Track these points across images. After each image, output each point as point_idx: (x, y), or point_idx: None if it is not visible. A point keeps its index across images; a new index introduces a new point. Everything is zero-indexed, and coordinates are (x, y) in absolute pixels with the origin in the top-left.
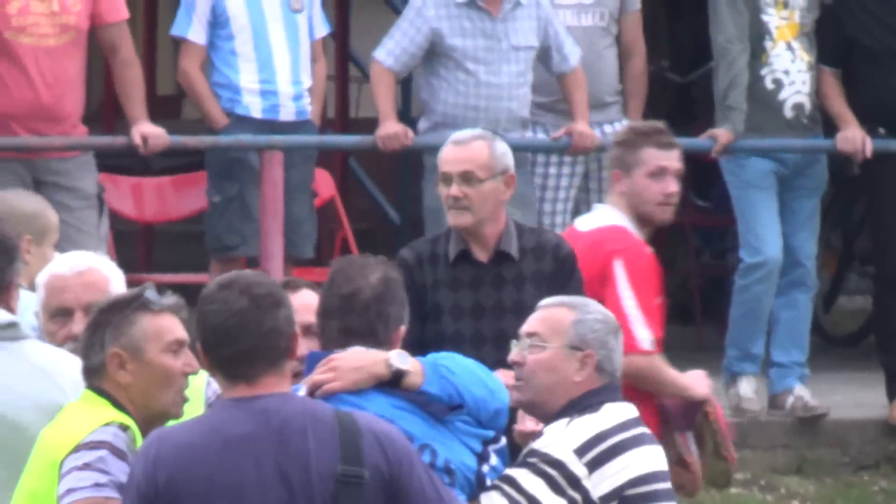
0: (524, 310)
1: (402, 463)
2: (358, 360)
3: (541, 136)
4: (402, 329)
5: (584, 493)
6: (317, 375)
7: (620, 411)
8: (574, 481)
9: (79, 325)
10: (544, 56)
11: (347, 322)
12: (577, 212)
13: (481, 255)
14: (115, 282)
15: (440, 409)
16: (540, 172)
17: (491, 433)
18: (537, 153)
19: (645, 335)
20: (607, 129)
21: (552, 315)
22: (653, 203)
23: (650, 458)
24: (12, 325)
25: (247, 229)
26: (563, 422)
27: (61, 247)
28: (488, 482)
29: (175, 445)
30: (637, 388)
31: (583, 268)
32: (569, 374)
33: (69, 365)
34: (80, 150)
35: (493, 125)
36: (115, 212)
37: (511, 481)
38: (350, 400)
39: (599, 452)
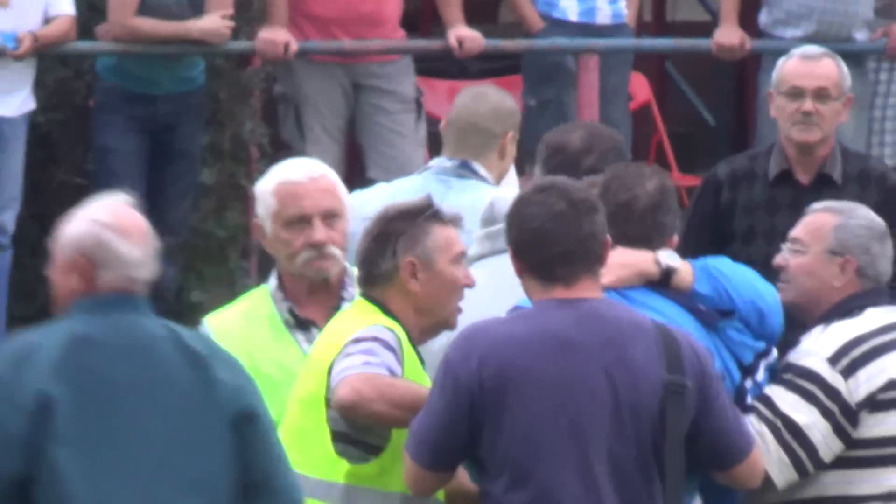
0: None
1: (711, 377)
2: (625, 256)
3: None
4: (675, 239)
5: (841, 402)
6: None
7: (884, 315)
8: (829, 391)
9: (319, 231)
10: None
11: (624, 229)
12: None
13: (803, 178)
14: (342, 187)
15: (712, 315)
16: (871, 79)
17: (762, 345)
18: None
19: None
20: None
21: (815, 220)
22: None
23: None
24: None
25: None
26: (818, 329)
27: (380, 149)
28: (749, 399)
29: (499, 339)
30: None
31: None
32: (828, 278)
33: None
34: (398, 54)
35: (836, 28)
36: (431, 115)
37: (766, 401)
38: (630, 296)
39: (854, 358)
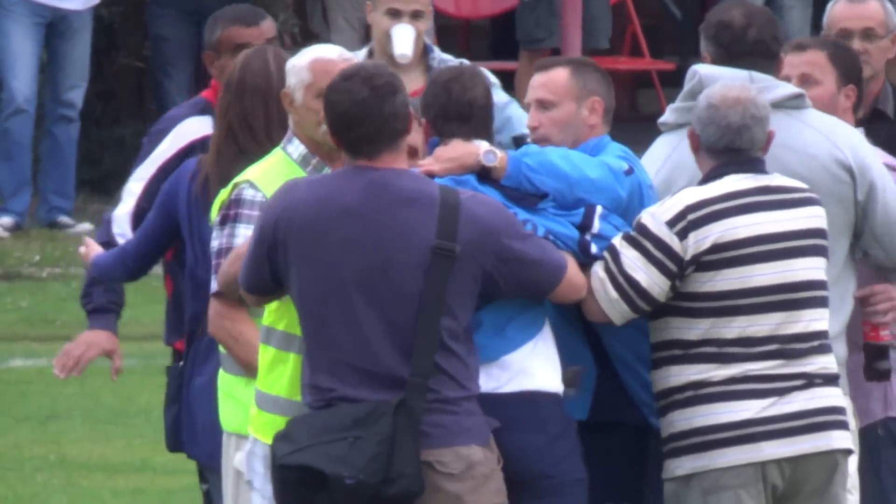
0: None
1: (499, 231)
2: (455, 151)
3: None
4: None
5: (676, 258)
6: (422, 161)
7: (736, 182)
8: (665, 249)
9: None
10: None
11: (468, 124)
12: None
13: (858, 113)
14: None
15: (528, 199)
16: None
17: (581, 211)
18: None
19: None
20: None
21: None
22: None
23: (753, 225)
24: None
25: (552, 24)
26: (671, 194)
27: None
28: (593, 248)
29: (297, 198)
30: None
31: None
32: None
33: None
34: None
35: None
36: (437, 9)
37: (613, 252)
38: (465, 183)
39: (689, 221)
